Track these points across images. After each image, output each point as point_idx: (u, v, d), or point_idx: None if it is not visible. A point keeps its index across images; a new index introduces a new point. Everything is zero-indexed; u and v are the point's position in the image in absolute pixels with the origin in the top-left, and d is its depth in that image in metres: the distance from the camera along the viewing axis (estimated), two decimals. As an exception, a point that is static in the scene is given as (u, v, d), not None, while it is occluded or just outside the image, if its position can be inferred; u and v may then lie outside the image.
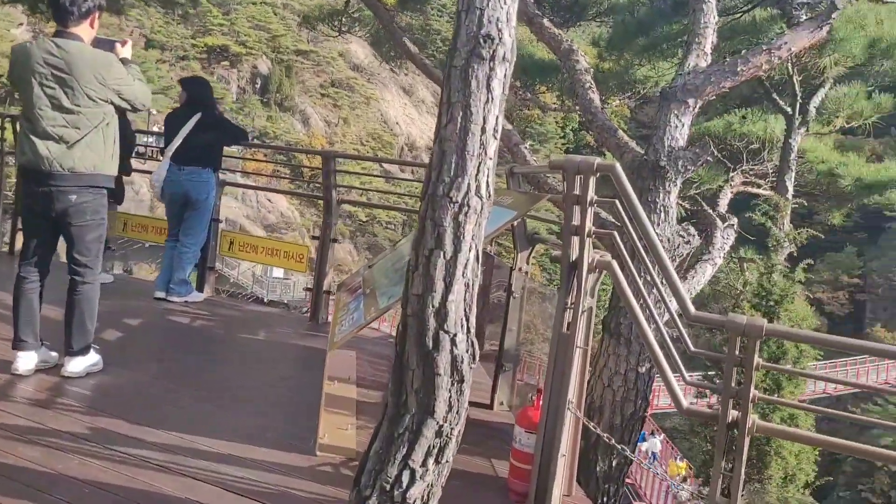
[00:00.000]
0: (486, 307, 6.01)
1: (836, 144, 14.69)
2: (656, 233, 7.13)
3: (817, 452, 13.00)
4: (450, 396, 2.60)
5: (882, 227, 56.62)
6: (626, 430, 7.67)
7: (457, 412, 2.64)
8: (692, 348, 4.42)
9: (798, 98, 12.16)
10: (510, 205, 5.26)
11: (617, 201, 3.96)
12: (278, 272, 46.18)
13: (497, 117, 2.59)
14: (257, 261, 9.11)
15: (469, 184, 2.54)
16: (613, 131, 8.34)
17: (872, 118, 12.17)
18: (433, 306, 2.53)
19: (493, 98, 2.54)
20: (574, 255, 3.92)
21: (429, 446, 2.59)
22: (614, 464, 7.58)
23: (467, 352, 2.61)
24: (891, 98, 11.97)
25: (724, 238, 9.97)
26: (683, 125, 7.66)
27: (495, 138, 2.60)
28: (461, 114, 2.53)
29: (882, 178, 12.80)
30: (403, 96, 58.66)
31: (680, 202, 10.56)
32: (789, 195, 11.93)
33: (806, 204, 13.91)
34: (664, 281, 4.11)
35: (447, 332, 2.55)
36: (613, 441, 4.03)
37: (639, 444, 25.86)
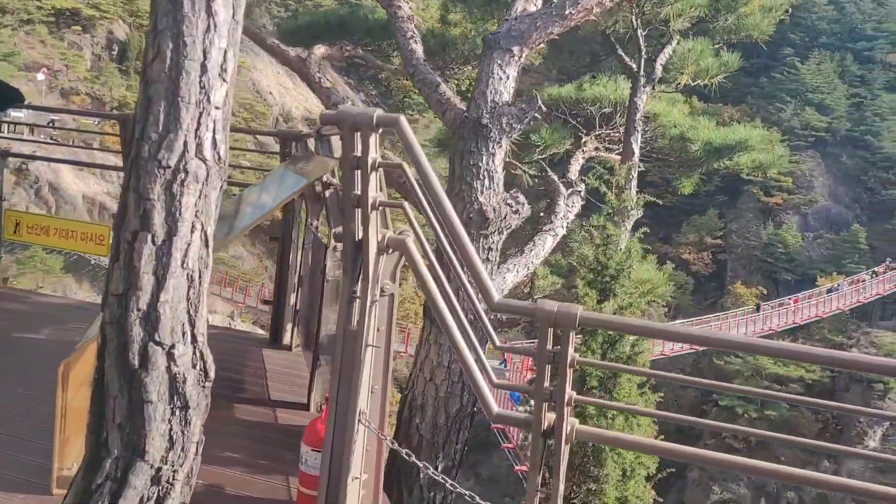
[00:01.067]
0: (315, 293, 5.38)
1: (692, 111, 14.21)
2: (480, 201, 6.08)
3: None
4: (170, 429, 2.01)
5: (740, 191, 59.17)
6: (452, 429, 6.68)
7: (182, 449, 2.06)
8: (497, 343, 3.57)
9: (643, 53, 11.48)
10: (303, 171, 4.37)
11: (405, 165, 3.38)
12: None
13: (226, 52, 1.99)
14: (50, 244, 7.50)
15: (186, 142, 1.92)
16: (435, 86, 7.25)
17: (720, 77, 11.64)
18: (139, 309, 1.85)
19: (216, 25, 1.91)
20: (359, 233, 3.30)
21: (140, 498, 1.95)
22: (440, 468, 6.53)
23: (194, 367, 2.03)
24: (737, 56, 11.45)
25: (569, 206, 9.12)
26: (508, 77, 6.65)
27: (224, 80, 2.00)
28: (171, 46, 1.88)
29: (730, 141, 12.40)
30: (276, 65, 55.82)
31: (524, 168, 9.61)
32: (636, 158, 11.25)
33: (660, 171, 13.35)
34: (464, 263, 3.24)
35: (160, 343, 1.91)
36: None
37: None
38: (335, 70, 59.77)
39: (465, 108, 6.98)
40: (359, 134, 3.08)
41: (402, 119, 3.47)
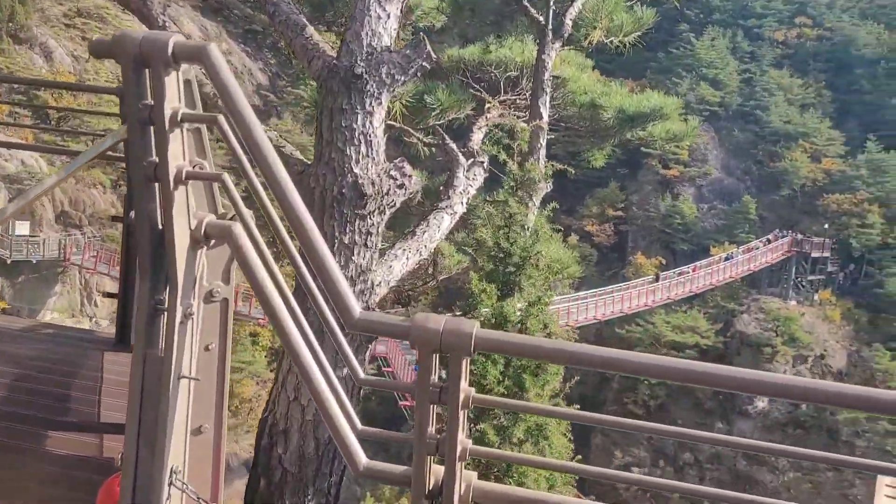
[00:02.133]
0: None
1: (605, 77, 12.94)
2: (355, 173, 4.57)
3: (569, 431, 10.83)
4: None
5: (640, 164, 59.73)
6: (325, 460, 5.14)
7: None
8: (361, 375, 2.53)
9: (551, 5, 10.10)
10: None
11: (220, 118, 2.31)
12: (23, 229, 39.81)
13: None
14: None
15: None
16: (300, 28, 5.61)
17: (634, 34, 10.42)
18: None
19: None
20: (161, 219, 2.35)
21: None
22: (308, 508, 5.01)
23: None
24: (652, 13, 10.26)
25: (470, 179, 7.64)
26: (389, 16, 5.12)
27: None
28: None
29: (644, 108, 11.25)
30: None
31: (418, 136, 8.08)
32: (544, 122, 9.91)
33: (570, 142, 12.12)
34: (309, 260, 2.18)
35: None
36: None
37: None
38: (231, 37, 56.30)
39: (335, 56, 5.41)
40: (149, 71, 2.18)
41: (212, 47, 2.27)
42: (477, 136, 10.13)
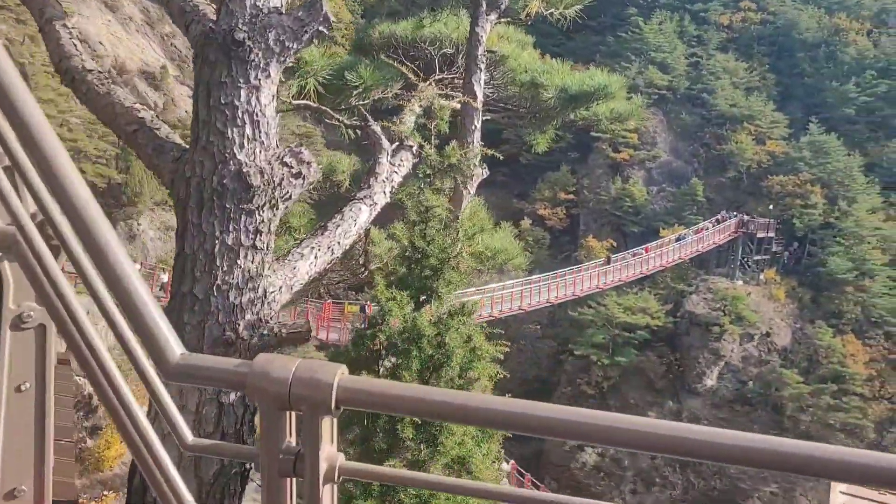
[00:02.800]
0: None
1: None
2: (239, 160, 3.77)
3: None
4: None
5: (591, 147, 59.60)
6: (210, 502, 4.25)
7: None
8: (189, 439, 1.67)
9: (485, -27, 9.33)
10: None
11: None
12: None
13: None
14: None
15: None
16: (179, -14, 4.63)
17: (575, 6, 9.69)
18: None
19: None
20: None
21: None
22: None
23: None
24: (596, -16, 9.53)
25: (397, 166, 6.82)
26: (279, -29, 4.16)
27: None
28: None
29: (587, 87, 10.54)
30: (106, 12, 49.57)
31: (339, 118, 7.23)
32: (478, 101, 9.12)
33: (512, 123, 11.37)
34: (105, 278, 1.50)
35: None
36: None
37: None
38: None
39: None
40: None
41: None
42: (408, 119, 9.32)
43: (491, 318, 41.37)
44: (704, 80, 60.10)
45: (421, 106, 9.72)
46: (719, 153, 56.86)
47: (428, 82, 9.55)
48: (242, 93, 4.25)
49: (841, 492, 6.36)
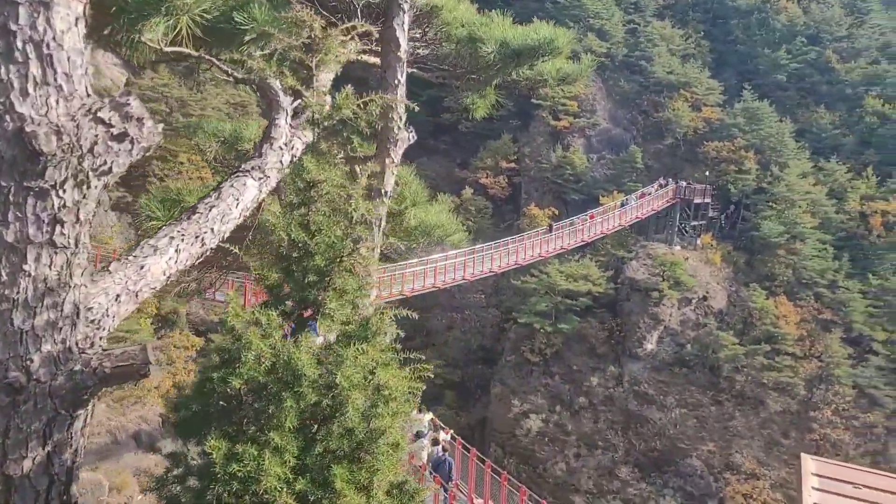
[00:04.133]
0: None
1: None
2: (18, 112, 2.23)
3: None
4: None
5: (532, 115, 58.42)
6: None
7: None
8: None
9: None
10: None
11: None
12: None
13: None
14: None
15: None
16: None
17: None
18: None
19: None
20: None
21: None
22: None
23: None
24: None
25: (300, 130, 5.30)
26: None
27: None
28: None
29: (531, 41, 9.13)
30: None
31: (225, 68, 5.64)
32: (402, 51, 7.60)
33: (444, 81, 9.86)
34: None
35: None
36: None
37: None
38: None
39: None
40: None
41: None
42: (324, 77, 7.77)
43: (434, 287, 40.23)
44: (642, 47, 59.40)
45: (339, 62, 8.15)
46: (657, 120, 56.43)
47: (348, 34, 7.98)
48: (22, 11, 2.68)
49: (813, 473, 5.43)
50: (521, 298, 50.50)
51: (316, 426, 3.53)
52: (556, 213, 53.29)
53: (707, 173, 52.76)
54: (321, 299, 3.95)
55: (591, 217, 47.85)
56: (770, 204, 50.85)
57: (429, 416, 20.90)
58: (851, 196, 51.27)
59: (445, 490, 17.93)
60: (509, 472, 46.43)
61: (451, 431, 20.82)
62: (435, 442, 19.14)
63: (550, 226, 47.80)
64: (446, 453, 18.83)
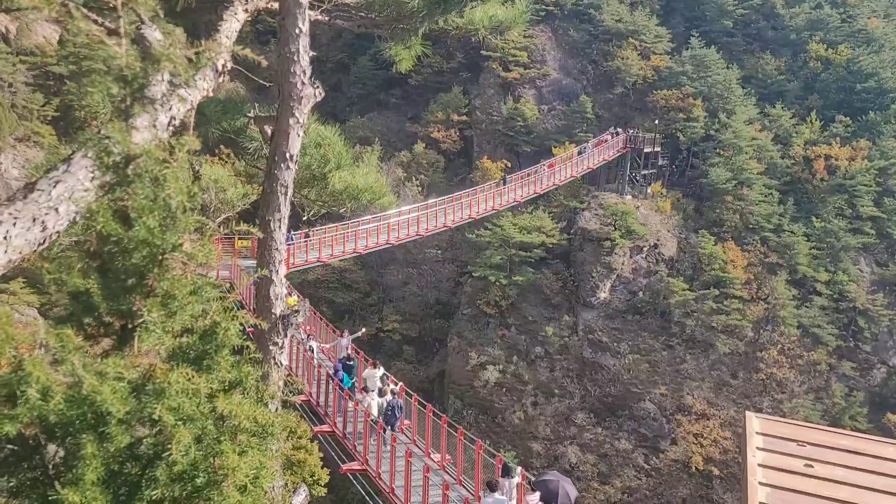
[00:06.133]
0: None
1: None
2: None
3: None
4: None
5: (482, 67, 57.22)
6: None
7: None
8: None
9: None
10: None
11: None
12: None
13: None
14: None
15: None
16: None
17: None
18: None
19: None
20: None
21: None
22: None
23: None
24: None
25: (187, 87, 4.51)
26: None
27: None
28: None
29: (459, -14, 8.32)
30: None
31: (89, 15, 4.80)
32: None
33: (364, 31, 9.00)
34: None
35: None
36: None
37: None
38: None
39: None
40: None
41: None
42: (228, 27, 6.90)
43: (388, 244, 39.52)
44: (591, -5, 58.34)
45: (246, 9, 7.27)
46: (607, 70, 55.75)
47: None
48: None
49: (757, 432, 5.12)
50: (475, 252, 50.15)
51: (140, 471, 2.85)
52: (509, 165, 52.70)
53: (656, 122, 52.56)
54: (137, 308, 3.15)
55: (551, 166, 47.35)
56: (717, 151, 51.02)
57: (381, 371, 20.88)
58: (796, 141, 51.72)
59: (393, 429, 18.25)
60: (468, 422, 46.74)
61: (401, 384, 20.74)
62: (381, 394, 19.28)
63: (504, 178, 47.24)
64: (395, 397, 19.01)
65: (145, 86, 4.42)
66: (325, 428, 20.88)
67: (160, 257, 3.11)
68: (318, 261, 37.11)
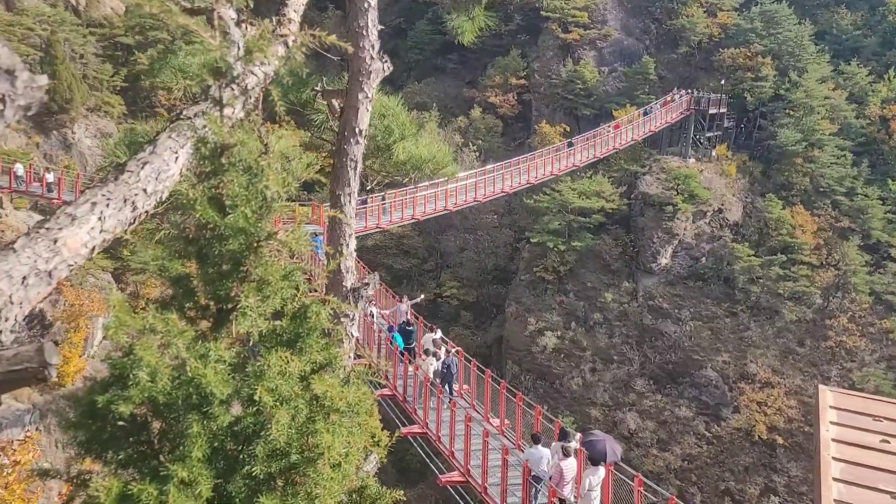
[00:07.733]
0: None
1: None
2: None
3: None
4: None
5: (540, 28, 55.95)
6: None
7: None
8: None
9: None
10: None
11: None
12: None
13: None
14: None
15: None
16: None
17: None
18: None
19: None
20: None
21: None
22: None
23: None
24: None
25: (256, 64, 4.49)
26: None
27: None
28: None
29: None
30: None
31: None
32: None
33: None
34: None
35: None
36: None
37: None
38: None
39: None
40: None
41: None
42: (294, 1, 6.84)
43: (446, 210, 39.47)
44: (654, -50, 56.10)
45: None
46: (670, 28, 53.77)
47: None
48: None
49: (831, 406, 4.94)
50: (533, 218, 49.68)
51: (239, 447, 2.94)
52: (568, 129, 51.72)
53: (722, 82, 50.57)
54: (234, 293, 3.20)
55: (616, 127, 46.27)
56: (787, 111, 48.83)
57: (438, 334, 21.18)
58: (872, 100, 49.03)
59: (451, 393, 18.59)
60: (526, 388, 46.82)
61: (458, 348, 20.99)
62: (437, 357, 19.59)
63: (570, 142, 46.30)
64: (450, 355, 19.31)
65: (236, 78, 4.41)
66: (386, 392, 21.23)
67: (255, 245, 3.13)
68: (377, 227, 37.37)
